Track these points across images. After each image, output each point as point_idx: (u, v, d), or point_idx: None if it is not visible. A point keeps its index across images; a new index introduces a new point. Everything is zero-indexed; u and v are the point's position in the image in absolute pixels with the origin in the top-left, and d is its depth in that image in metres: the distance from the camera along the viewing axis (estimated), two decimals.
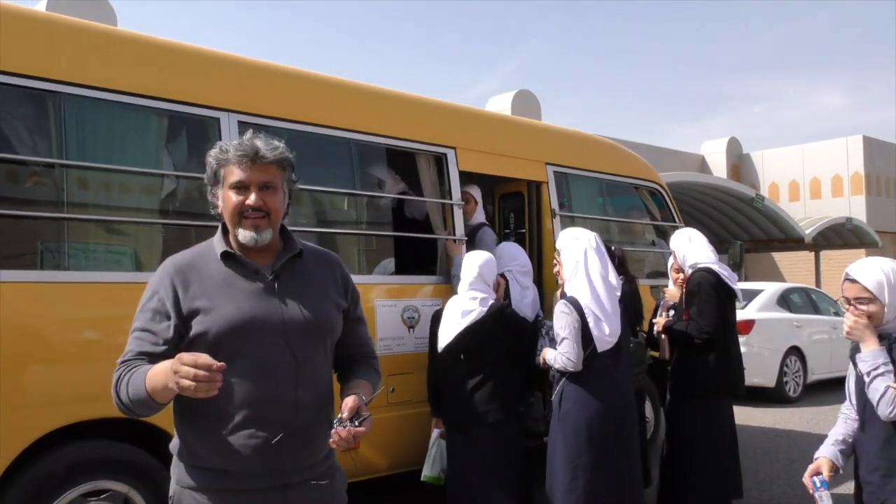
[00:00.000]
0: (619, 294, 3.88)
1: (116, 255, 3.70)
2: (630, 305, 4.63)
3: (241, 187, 1.93)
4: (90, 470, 3.30)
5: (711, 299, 4.28)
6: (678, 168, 20.90)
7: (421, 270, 4.87)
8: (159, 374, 1.74)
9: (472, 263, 4.26)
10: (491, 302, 4.19)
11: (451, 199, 4.90)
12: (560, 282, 4.15)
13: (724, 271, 4.41)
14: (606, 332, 3.72)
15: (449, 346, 4.11)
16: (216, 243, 2.00)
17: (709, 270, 4.36)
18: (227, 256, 1.96)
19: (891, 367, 2.49)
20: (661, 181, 6.70)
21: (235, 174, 1.92)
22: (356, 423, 1.86)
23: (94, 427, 3.33)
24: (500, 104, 16.18)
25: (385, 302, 4.44)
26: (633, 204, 6.65)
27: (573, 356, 3.72)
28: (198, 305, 1.88)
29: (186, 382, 1.63)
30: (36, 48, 3.37)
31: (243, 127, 3.93)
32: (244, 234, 1.93)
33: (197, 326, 1.87)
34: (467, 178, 5.19)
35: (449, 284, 4.72)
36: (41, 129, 3.43)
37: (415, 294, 4.63)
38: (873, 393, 2.49)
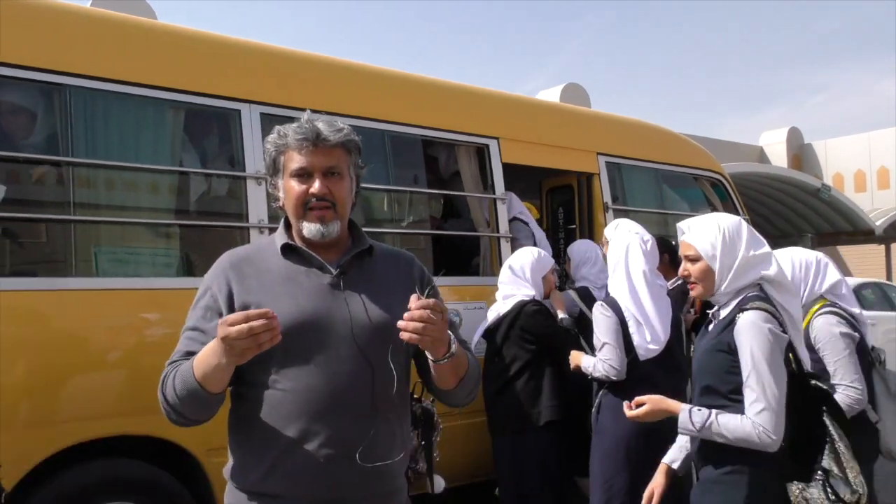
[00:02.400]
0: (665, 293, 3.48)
1: (144, 258, 3.48)
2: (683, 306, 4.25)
3: (303, 174, 1.73)
4: (107, 491, 3.07)
5: None
6: (735, 160, 20.11)
7: (462, 271, 4.53)
8: (207, 354, 1.57)
9: (507, 261, 3.96)
10: (518, 300, 3.80)
11: (493, 193, 4.54)
12: None
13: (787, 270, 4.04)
14: (648, 339, 3.29)
15: (478, 350, 3.82)
16: (277, 236, 1.81)
17: None
18: (287, 249, 1.77)
19: None
20: (723, 171, 6.23)
21: (296, 160, 1.73)
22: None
23: (112, 445, 3.10)
24: (548, 98, 15.82)
25: None
26: (693, 195, 6.18)
27: (616, 363, 3.31)
28: (253, 301, 1.68)
29: (242, 343, 1.47)
30: (47, 39, 3.15)
31: (265, 119, 3.67)
32: (309, 228, 1.74)
33: None
34: (512, 170, 4.83)
35: (493, 286, 4.37)
36: (47, 125, 3.21)
37: (456, 296, 4.29)
38: None
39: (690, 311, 4.35)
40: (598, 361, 3.38)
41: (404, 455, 1.81)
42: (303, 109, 3.87)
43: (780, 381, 2.16)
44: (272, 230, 3.63)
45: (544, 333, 3.73)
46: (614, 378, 3.33)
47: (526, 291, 3.85)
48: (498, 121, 4.68)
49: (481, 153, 4.58)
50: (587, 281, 4.39)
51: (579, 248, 4.53)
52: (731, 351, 2.21)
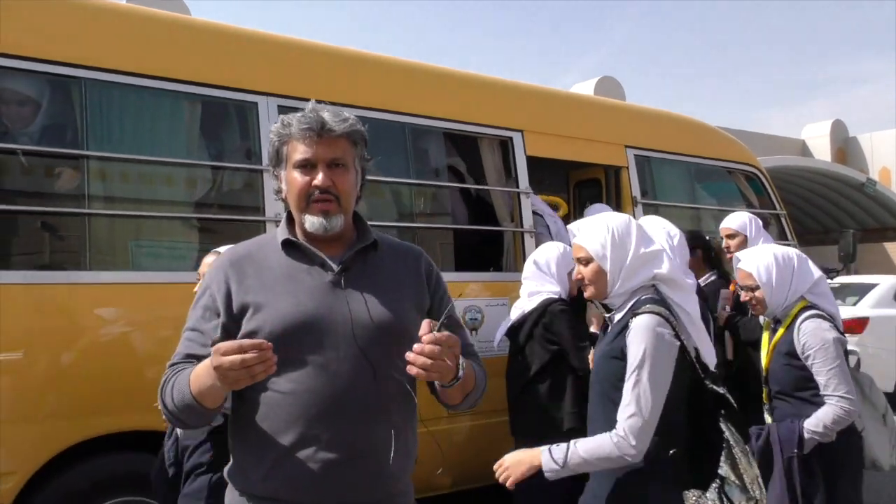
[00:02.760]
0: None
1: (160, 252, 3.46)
2: (714, 303, 4.10)
3: (306, 166, 1.68)
4: (117, 486, 3.06)
5: None
6: (777, 154, 19.62)
7: (484, 266, 4.44)
8: (202, 374, 1.53)
9: (531, 255, 3.85)
10: (544, 297, 3.68)
11: (517, 186, 4.44)
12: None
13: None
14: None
15: (502, 347, 3.78)
16: (279, 232, 1.75)
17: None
18: (288, 245, 1.72)
19: None
20: (759, 164, 6.02)
21: (300, 151, 1.68)
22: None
23: (123, 440, 3.09)
24: (582, 91, 15.63)
25: None
26: (727, 189, 5.99)
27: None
28: (251, 300, 1.64)
29: (234, 374, 1.43)
30: (61, 32, 3.15)
31: (283, 112, 3.62)
32: (311, 221, 1.68)
33: (249, 324, 1.63)
34: (539, 163, 4.72)
35: (516, 282, 4.27)
36: (64, 118, 3.21)
37: (477, 292, 4.20)
38: None
39: (726, 307, 4.20)
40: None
41: (409, 457, 1.74)
42: (321, 102, 3.89)
43: (659, 391, 2.04)
44: None
45: (567, 335, 3.56)
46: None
47: (551, 288, 3.73)
48: (522, 113, 4.57)
49: (505, 146, 4.48)
50: None
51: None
52: (623, 357, 2.11)
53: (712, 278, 4.33)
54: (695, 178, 5.61)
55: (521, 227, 4.42)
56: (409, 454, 1.74)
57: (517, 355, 3.70)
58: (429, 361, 1.49)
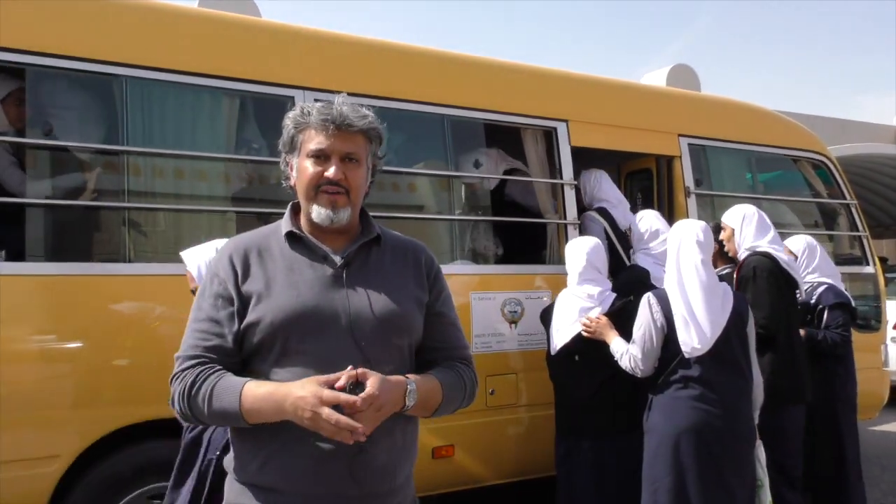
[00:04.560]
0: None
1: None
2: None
3: (320, 156, 1.68)
4: (155, 472, 3.16)
5: (770, 287, 3.67)
6: (867, 141, 18.58)
7: (526, 259, 4.38)
8: (268, 402, 1.55)
9: (579, 251, 3.75)
10: (612, 297, 3.69)
11: (561, 178, 4.35)
12: (731, 254, 3.97)
13: (785, 257, 3.80)
14: (696, 342, 3.05)
15: (565, 349, 3.67)
16: (283, 223, 1.76)
17: (766, 255, 3.73)
18: (292, 238, 1.73)
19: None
20: (828, 152, 5.70)
21: (315, 141, 1.69)
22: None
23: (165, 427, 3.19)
24: (653, 81, 15.09)
25: (482, 294, 3.99)
26: (792, 178, 5.72)
27: (640, 361, 3.18)
28: (255, 290, 1.66)
29: (322, 425, 1.51)
30: (102, 31, 3.27)
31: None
32: (319, 212, 1.69)
33: (252, 314, 1.64)
34: (589, 153, 4.62)
35: (560, 276, 4.20)
36: (107, 116, 3.33)
37: (518, 286, 4.14)
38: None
39: None
40: (626, 352, 3.26)
41: (408, 450, 1.74)
42: (357, 95, 3.92)
43: None
44: None
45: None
46: (639, 375, 3.22)
47: (606, 285, 3.77)
48: (566, 103, 4.47)
49: (549, 137, 4.40)
50: (651, 258, 4.13)
51: (641, 220, 4.31)
52: None
53: (725, 270, 4.17)
54: (755, 167, 5.37)
55: (565, 219, 4.33)
56: (407, 447, 1.73)
57: (587, 355, 3.61)
58: (355, 426, 1.49)
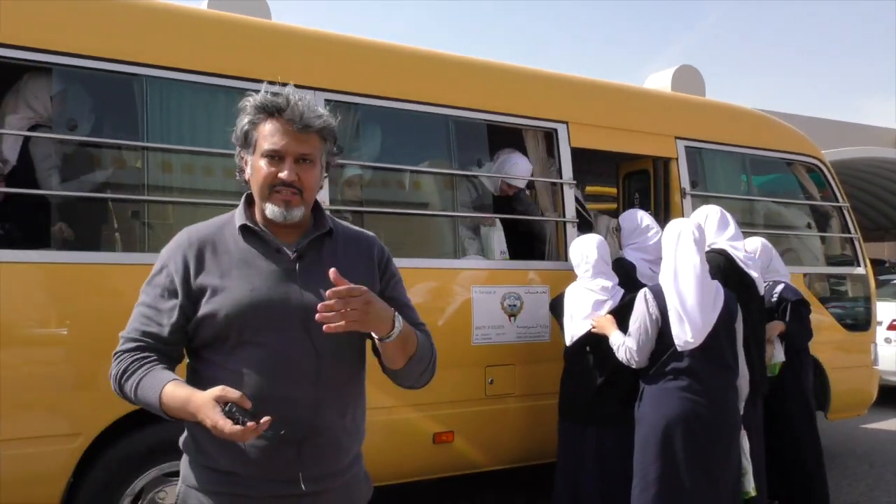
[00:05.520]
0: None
1: None
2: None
3: (275, 157, 1.70)
4: (173, 451, 3.32)
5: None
6: (867, 144, 18.67)
7: (526, 255, 4.55)
8: (181, 403, 1.58)
9: (589, 245, 3.95)
10: (621, 291, 3.89)
11: (560, 177, 4.52)
12: None
13: (748, 259, 3.87)
14: (689, 336, 3.21)
15: (579, 340, 3.88)
16: (237, 215, 1.79)
17: (721, 252, 3.78)
18: (246, 231, 1.76)
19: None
20: (822, 155, 5.86)
21: (270, 141, 1.69)
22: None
23: None
24: (658, 82, 15.05)
25: (483, 288, 4.16)
26: (786, 181, 5.87)
27: (636, 352, 3.33)
28: (209, 283, 1.70)
29: (222, 435, 1.51)
30: (124, 33, 3.43)
31: (330, 106, 3.81)
32: (272, 210, 1.71)
33: (206, 307, 1.68)
34: (590, 153, 4.79)
35: (558, 271, 4.37)
36: (130, 112, 3.49)
37: (518, 280, 4.31)
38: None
39: None
40: (622, 345, 3.41)
41: (357, 435, 1.81)
42: (367, 95, 4.07)
43: None
44: (332, 213, 3.81)
45: None
46: (634, 366, 3.37)
47: (614, 280, 3.96)
48: (566, 105, 4.63)
49: (549, 137, 4.56)
50: (642, 252, 4.31)
51: (629, 217, 4.48)
52: None
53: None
54: (750, 170, 5.52)
55: (564, 216, 4.50)
56: (357, 427, 1.81)
57: (597, 347, 3.78)
58: (331, 314, 1.51)
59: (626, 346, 3.39)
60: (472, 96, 4.29)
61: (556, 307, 4.09)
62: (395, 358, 1.72)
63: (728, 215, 3.99)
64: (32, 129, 3.42)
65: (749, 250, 4.03)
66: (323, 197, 3.68)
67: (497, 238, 4.49)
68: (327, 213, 1.87)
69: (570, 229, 4.48)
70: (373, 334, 1.64)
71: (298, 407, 1.67)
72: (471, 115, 4.29)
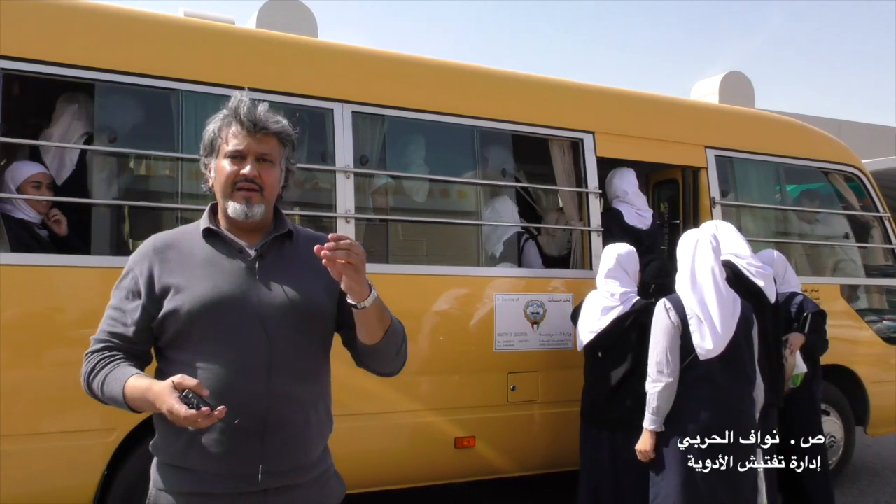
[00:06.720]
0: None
1: None
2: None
3: (237, 156, 1.82)
4: None
5: None
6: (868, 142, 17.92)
7: (550, 263, 4.60)
8: (143, 396, 1.66)
9: (611, 252, 4.01)
10: (635, 298, 3.91)
11: (586, 187, 4.56)
12: None
13: (752, 267, 3.85)
14: (707, 340, 3.21)
15: (589, 345, 3.92)
16: (202, 221, 1.90)
17: (726, 264, 3.73)
18: (209, 234, 1.86)
19: None
20: (861, 164, 5.74)
21: (232, 143, 1.82)
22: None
23: None
24: (705, 89, 15.03)
25: (506, 296, 4.23)
26: (822, 191, 5.77)
27: (665, 367, 3.28)
28: (172, 282, 1.79)
29: (182, 423, 1.57)
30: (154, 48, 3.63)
31: (357, 117, 3.96)
32: (234, 207, 1.82)
33: (169, 304, 1.77)
34: (619, 163, 4.83)
35: (582, 279, 4.42)
36: (160, 126, 3.68)
37: (541, 288, 4.37)
38: None
39: None
40: (654, 386, 3.32)
41: (320, 430, 1.86)
42: (393, 107, 4.19)
43: None
44: (359, 220, 3.94)
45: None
46: (664, 382, 3.29)
47: (632, 287, 3.98)
48: (593, 115, 4.68)
49: (575, 147, 4.62)
50: (626, 204, 4.83)
51: (619, 174, 4.94)
52: None
53: None
54: (784, 179, 5.46)
55: (589, 226, 4.54)
56: (319, 427, 1.86)
57: (611, 351, 3.85)
58: (328, 252, 1.59)
59: (658, 385, 3.29)
60: (497, 107, 4.37)
61: (576, 314, 4.14)
62: (374, 328, 1.76)
63: (733, 228, 4.04)
64: (87, 142, 3.65)
65: (760, 263, 4.01)
66: (349, 206, 3.84)
67: (532, 253, 4.59)
68: (286, 216, 1.95)
69: (595, 238, 4.52)
70: (354, 301, 1.69)
71: (254, 398, 1.73)
72: (496, 125, 4.37)
